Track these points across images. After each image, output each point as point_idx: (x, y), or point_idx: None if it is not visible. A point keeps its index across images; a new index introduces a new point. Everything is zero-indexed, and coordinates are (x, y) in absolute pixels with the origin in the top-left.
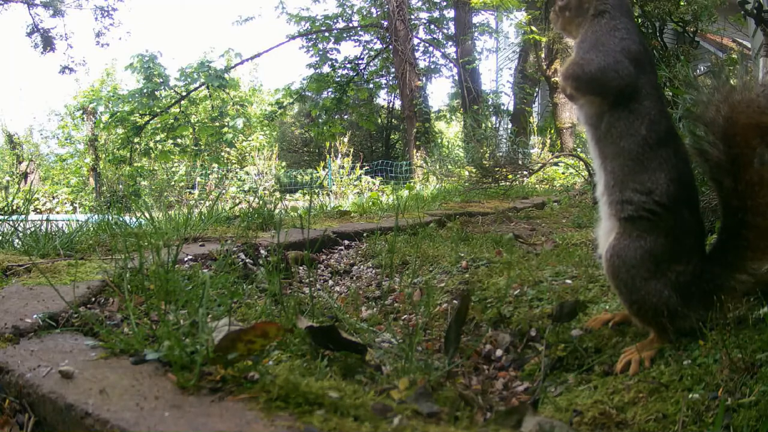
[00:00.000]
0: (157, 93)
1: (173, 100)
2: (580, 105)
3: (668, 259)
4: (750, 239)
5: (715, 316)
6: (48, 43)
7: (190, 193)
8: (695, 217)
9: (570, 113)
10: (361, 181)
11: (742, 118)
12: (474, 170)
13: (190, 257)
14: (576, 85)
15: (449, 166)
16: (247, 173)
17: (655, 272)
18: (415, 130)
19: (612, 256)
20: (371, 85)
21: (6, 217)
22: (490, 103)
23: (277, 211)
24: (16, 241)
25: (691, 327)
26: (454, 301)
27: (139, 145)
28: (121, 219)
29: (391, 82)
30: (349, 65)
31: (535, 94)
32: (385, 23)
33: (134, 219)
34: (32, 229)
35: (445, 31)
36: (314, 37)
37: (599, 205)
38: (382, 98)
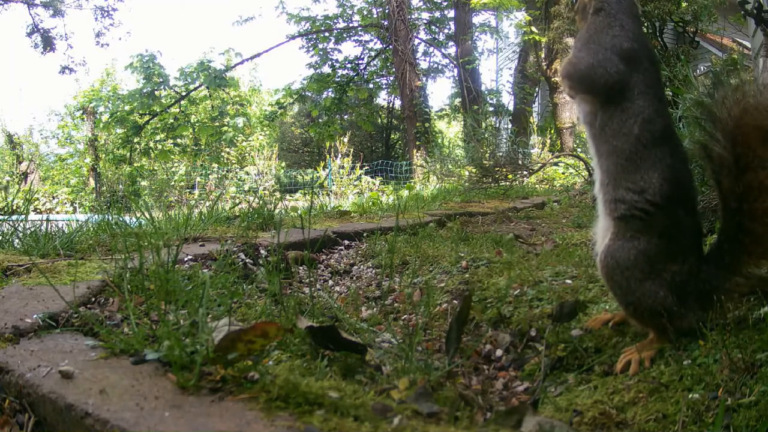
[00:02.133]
0: (156, 93)
1: (173, 100)
2: (578, 103)
3: (663, 259)
4: (746, 244)
5: (715, 316)
6: (48, 43)
7: (190, 193)
8: (692, 217)
9: (570, 113)
10: (361, 181)
11: (750, 119)
12: (474, 170)
13: (190, 257)
14: (570, 84)
15: (449, 166)
16: (247, 173)
17: (649, 273)
18: (415, 130)
19: (606, 257)
20: (371, 85)
21: (6, 217)
22: (490, 102)
23: (277, 211)
24: (16, 241)
25: (689, 326)
26: (454, 301)
27: (139, 145)
28: (121, 219)
29: (391, 83)
30: (349, 65)
31: (535, 94)
32: (386, 23)
33: (134, 219)
34: (32, 229)
35: (446, 31)
36: (314, 37)
37: (597, 203)
38: (382, 98)
